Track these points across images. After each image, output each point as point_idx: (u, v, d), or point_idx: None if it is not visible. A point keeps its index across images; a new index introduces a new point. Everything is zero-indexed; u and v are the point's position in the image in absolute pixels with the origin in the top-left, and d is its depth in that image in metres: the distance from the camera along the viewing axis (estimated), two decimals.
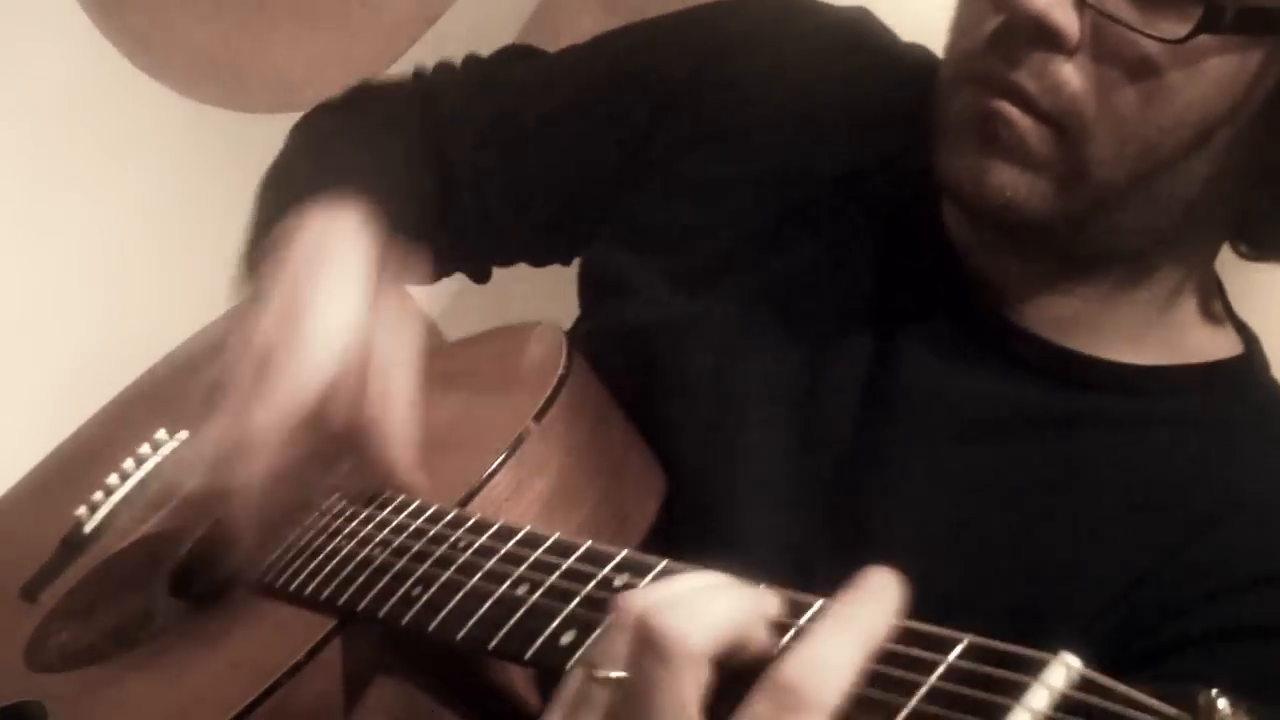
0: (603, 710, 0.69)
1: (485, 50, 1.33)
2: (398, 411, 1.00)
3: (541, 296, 1.33)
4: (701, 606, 0.70)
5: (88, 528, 1.19)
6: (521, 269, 1.31)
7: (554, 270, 1.30)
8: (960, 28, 1.02)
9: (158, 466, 1.22)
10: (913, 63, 1.21)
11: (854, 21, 1.23)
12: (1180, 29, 0.92)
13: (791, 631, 0.71)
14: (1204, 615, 0.94)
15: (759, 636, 0.70)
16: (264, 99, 1.32)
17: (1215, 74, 0.94)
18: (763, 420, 1.08)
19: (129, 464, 1.22)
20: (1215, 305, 1.09)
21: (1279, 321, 1.13)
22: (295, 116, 1.33)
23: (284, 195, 1.20)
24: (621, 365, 1.10)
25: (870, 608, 0.69)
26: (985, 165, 0.99)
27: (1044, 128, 0.97)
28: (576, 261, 1.24)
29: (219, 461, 0.99)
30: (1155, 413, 1.03)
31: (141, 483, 1.21)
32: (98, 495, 1.21)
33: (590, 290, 1.21)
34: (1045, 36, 0.95)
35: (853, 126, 1.17)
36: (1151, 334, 1.06)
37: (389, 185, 1.16)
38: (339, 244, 1.07)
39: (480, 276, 1.31)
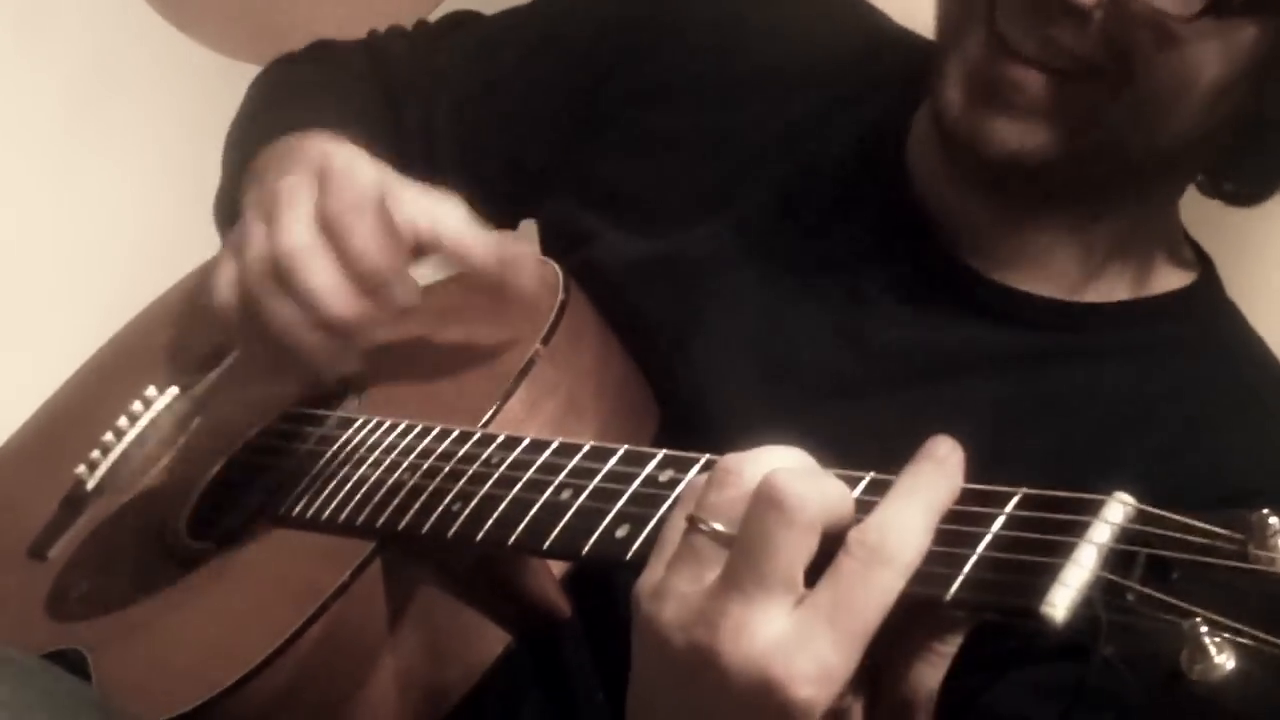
0: (714, 564, 0.73)
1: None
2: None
3: None
4: (825, 480, 0.75)
5: (89, 484, 1.21)
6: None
7: None
8: None
9: (153, 421, 1.24)
10: (853, 11, 1.26)
11: None
12: (1191, 5, 0.95)
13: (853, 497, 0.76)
14: None
15: (851, 514, 0.75)
16: None
17: (1230, 43, 0.97)
18: (726, 360, 1.11)
19: (123, 422, 1.24)
20: (1173, 239, 1.14)
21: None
22: None
23: (251, 141, 1.22)
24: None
25: (936, 472, 0.74)
26: (991, 121, 1.02)
27: (1052, 82, 1.00)
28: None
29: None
30: (1111, 346, 1.08)
31: (139, 438, 1.23)
32: (95, 454, 1.22)
33: (554, 245, 1.22)
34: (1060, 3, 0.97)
35: (804, 73, 1.20)
36: (1106, 273, 1.10)
37: (352, 129, 1.17)
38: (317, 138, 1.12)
39: None
